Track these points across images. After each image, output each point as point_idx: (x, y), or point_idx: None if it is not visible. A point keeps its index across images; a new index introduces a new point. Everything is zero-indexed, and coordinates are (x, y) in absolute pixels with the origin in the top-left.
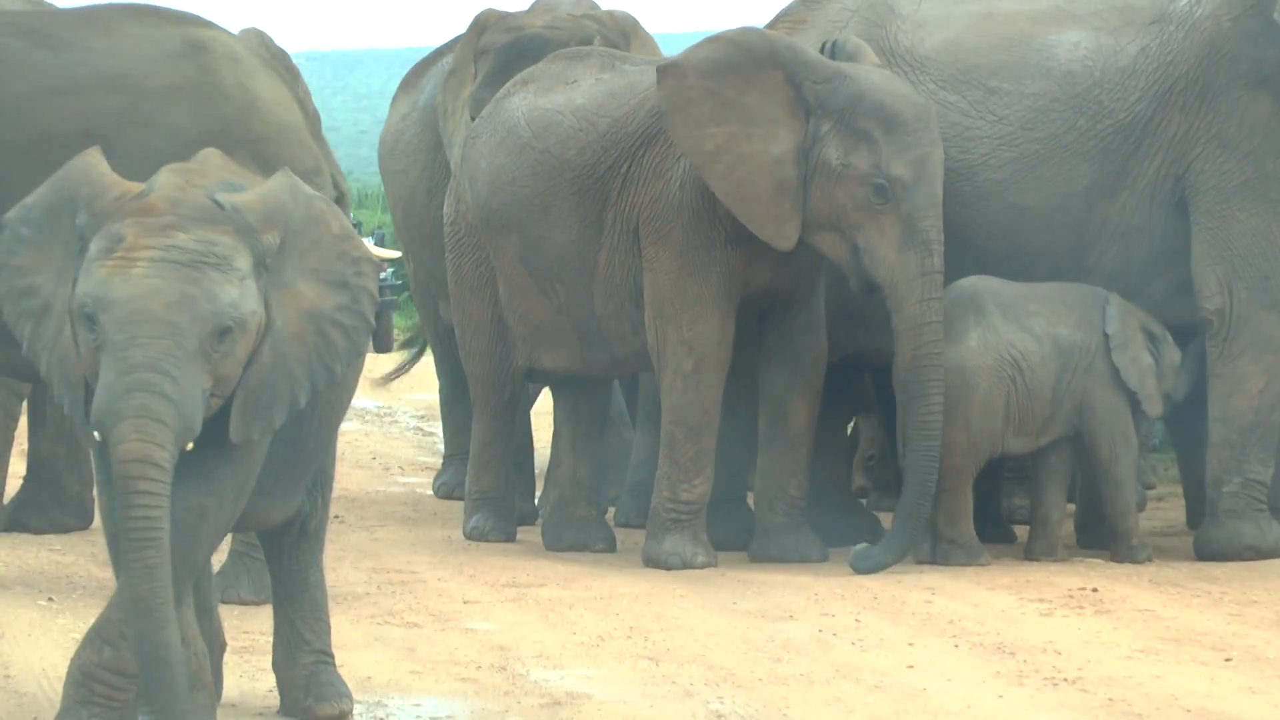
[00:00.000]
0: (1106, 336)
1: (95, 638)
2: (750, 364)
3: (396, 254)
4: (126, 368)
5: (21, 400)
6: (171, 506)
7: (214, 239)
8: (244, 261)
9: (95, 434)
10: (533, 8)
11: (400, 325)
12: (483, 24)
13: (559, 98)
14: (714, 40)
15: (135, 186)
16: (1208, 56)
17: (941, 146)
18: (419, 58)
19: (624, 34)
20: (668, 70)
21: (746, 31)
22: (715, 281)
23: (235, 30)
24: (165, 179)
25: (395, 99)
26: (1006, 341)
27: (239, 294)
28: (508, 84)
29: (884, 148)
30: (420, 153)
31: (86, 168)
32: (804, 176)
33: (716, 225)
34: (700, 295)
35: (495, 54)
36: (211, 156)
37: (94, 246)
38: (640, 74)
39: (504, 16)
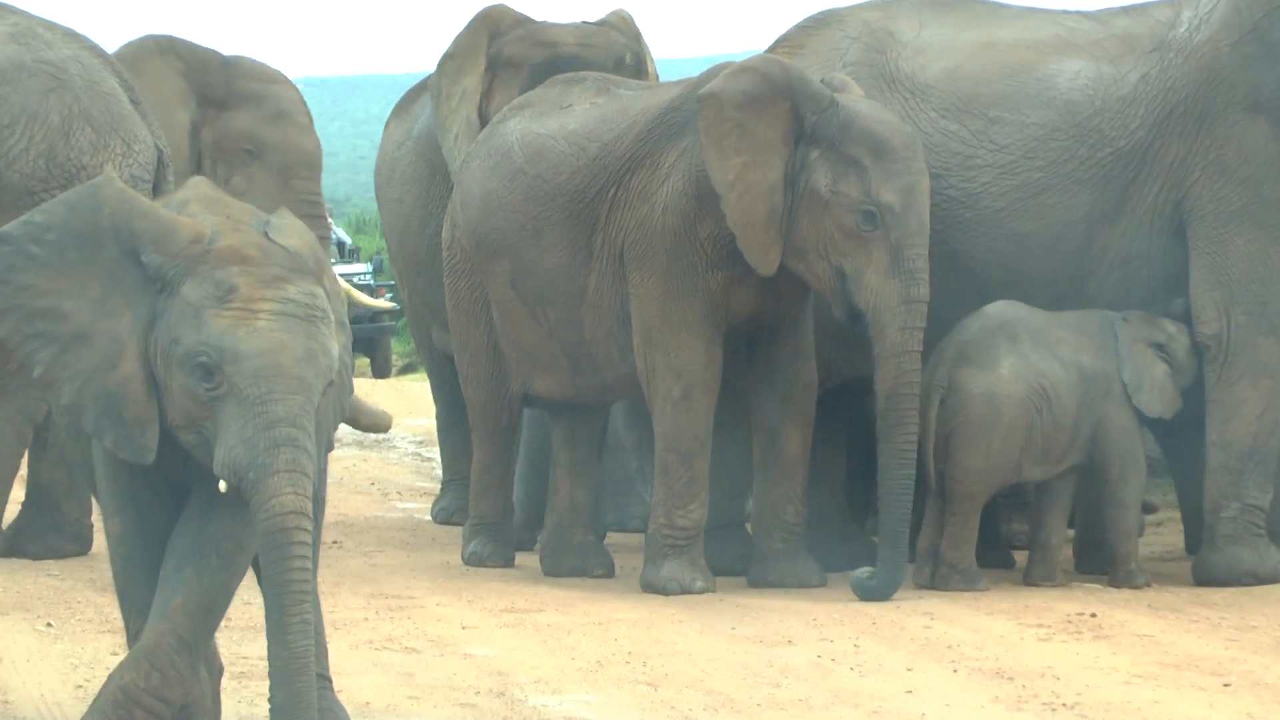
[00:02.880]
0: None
1: (143, 660)
2: (743, 389)
3: (389, 305)
4: (268, 422)
5: (34, 425)
6: (213, 536)
7: (314, 291)
8: (330, 312)
9: (222, 483)
10: (566, 24)
11: (399, 351)
12: (494, 21)
13: (553, 123)
14: (745, 70)
15: (193, 223)
16: (1206, 82)
17: (927, 176)
18: (417, 83)
19: (637, 38)
20: (708, 100)
21: (769, 61)
22: (700, 306)
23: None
24: (213, 219)
25: (388, 126)
26: (1038, 371)
27: (335, 347)
28: (505, 107)
29: (873, 174)
30: (415, 181)
31: (125, 196)
32: (790, 203)
33: (697, 250)
34: (685, 321)
35: (530, 71)
36: (202, 184)
37: (193, 291)
38: (634, 99)
39: (527, 27)
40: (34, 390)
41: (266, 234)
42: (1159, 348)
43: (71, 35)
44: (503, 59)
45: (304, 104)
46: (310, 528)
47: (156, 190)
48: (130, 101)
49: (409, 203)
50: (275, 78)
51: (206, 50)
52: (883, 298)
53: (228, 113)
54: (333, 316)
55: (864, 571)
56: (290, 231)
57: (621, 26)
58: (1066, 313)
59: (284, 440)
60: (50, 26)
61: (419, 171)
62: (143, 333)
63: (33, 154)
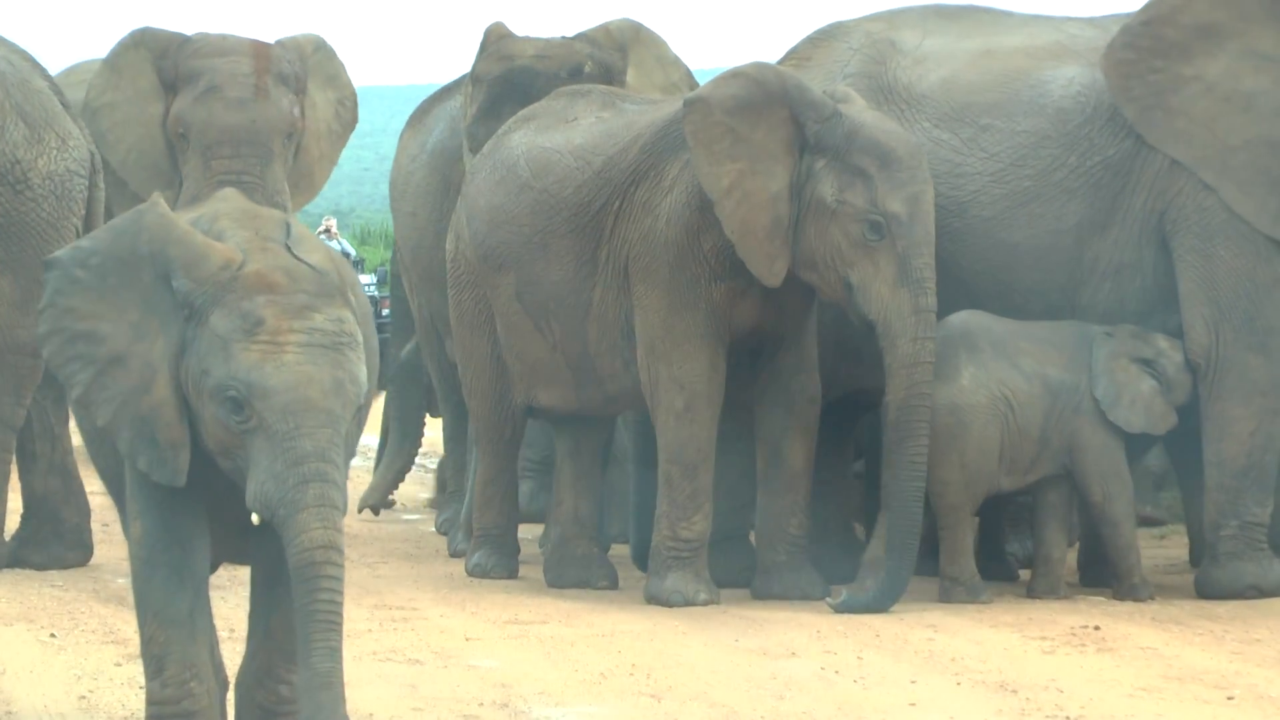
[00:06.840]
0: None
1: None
2: (747, 401)
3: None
4: (297, 458)
5: (15, 433)
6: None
7: (342, 316)
8: (359, 334)
9: (255, 516)
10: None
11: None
12: (487, 38)
13: (558, 137)
14: (735, 75)
15: (225, 249)
16: None
17: (932, 186)
18: (421, 95)
19: (620, 48)
20: (695, 105)
21: (763, 68)
22: (703, 318)
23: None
24: (242, 238)
25: (403, 137)
26: (998, 379)
27: (364, 371)
28: (510, 120)
29: (879, 184)
30: (429, 195)
31: (163, 222)
32: (796, 213)
33: (701, 261)
34: (689, 332)
35: (487, 85)
36: (232, 195)
37: (220, 322)
38: (639, 113)
39: (500, 41)
40: (9, 399)
41: (289, 248)
42: (1146, 363)
43: None
44: (472, 75)
45: (245, 77)
46: (341, 561)
47: (92, 190)
48: (61, 103)
49: (423, 216)
50: (224, 50)
51: (171, 34)
52: (893, 309)
53: (176, 97)
54: (360, 338)
55: (844, 597)
56: (310, 245)
57: (600, 39)
58: (1038, 324)
59: (312, 476)
60: None
61: (433, 185)
62: (174, 359)
63: None
